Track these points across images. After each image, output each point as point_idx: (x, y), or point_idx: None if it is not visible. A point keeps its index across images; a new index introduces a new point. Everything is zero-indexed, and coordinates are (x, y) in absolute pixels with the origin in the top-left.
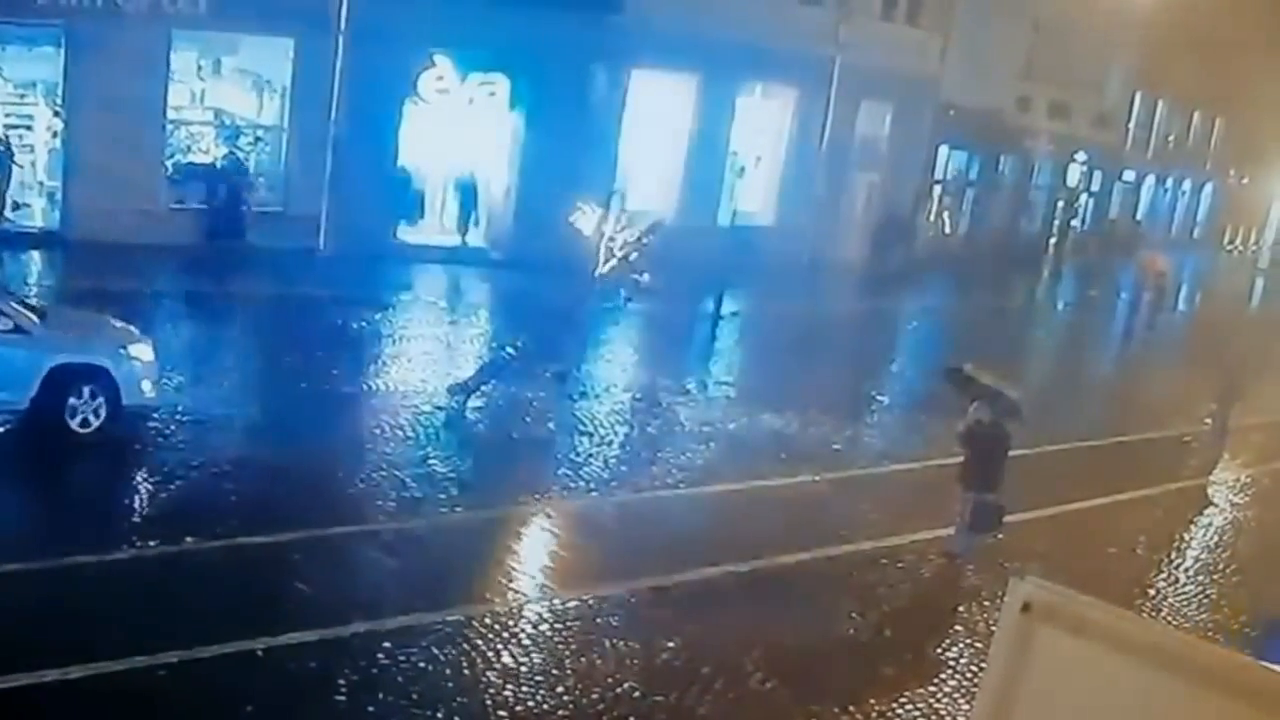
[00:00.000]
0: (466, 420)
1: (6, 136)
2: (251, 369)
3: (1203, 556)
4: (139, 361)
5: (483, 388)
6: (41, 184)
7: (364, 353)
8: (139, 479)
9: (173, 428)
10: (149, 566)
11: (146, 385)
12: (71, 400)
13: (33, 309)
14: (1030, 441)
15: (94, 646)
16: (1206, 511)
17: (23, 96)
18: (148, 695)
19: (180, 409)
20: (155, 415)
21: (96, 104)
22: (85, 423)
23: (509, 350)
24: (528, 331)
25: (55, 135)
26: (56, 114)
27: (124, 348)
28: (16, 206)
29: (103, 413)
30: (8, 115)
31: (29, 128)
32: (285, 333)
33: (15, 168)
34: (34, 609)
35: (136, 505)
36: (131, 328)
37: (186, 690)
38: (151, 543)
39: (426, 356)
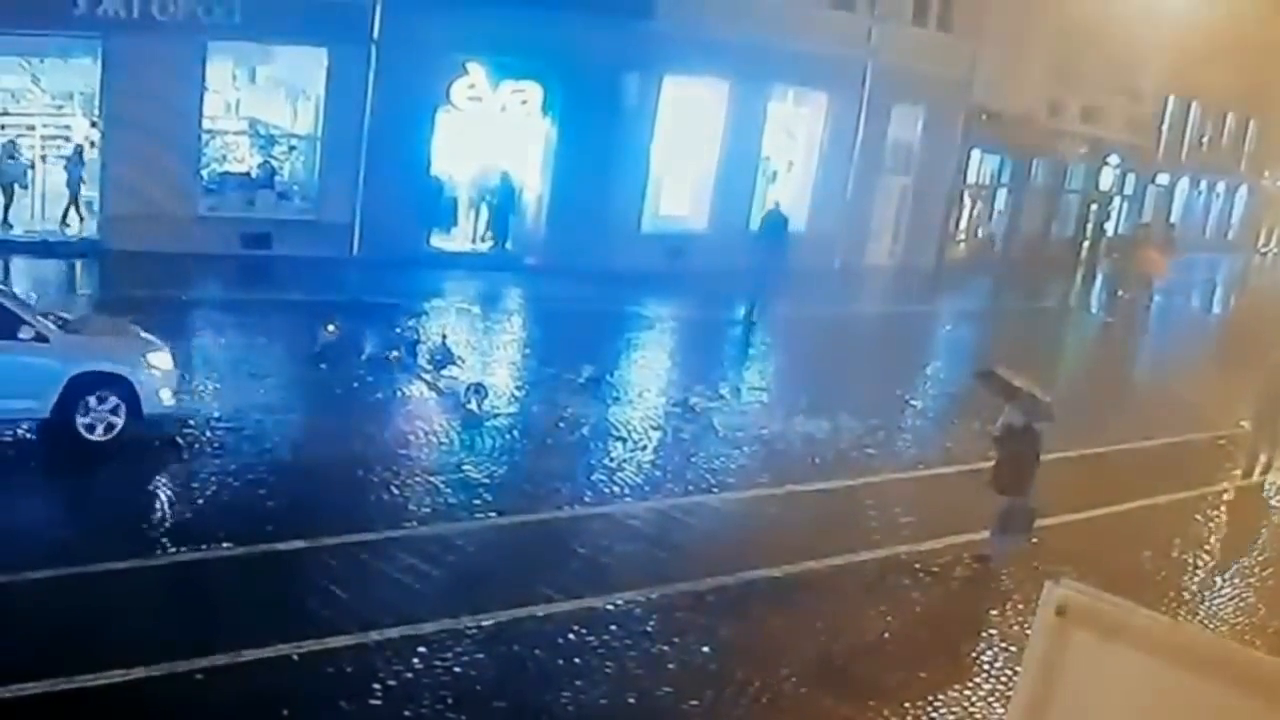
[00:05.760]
0: (499, 425)
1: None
2: (281, 376)
3: (1240, 560)
4: (158, 370)
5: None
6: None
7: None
8: (160, 485)
9: (206, 434)
10: (172, 572)
11: (165, 394)
12: (92, 407)
13: (55, 318)
14: (1065, 444)
15: (129, 650)
16: (1243, 515)
17: (60, 108)
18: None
19: (218, 415)
20: (189, 422)
21: (133, 114)
22: (108, 429)
23: None
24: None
25: (92, 145)
26: (93, 124)
27: (144, 356)
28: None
29: (122, 420)
30: (45, 126)
31: (66, 138)
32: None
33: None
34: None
35: (156, 511)
36: (153, 337)
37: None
38: (173, 549)
39: (460, 362)
